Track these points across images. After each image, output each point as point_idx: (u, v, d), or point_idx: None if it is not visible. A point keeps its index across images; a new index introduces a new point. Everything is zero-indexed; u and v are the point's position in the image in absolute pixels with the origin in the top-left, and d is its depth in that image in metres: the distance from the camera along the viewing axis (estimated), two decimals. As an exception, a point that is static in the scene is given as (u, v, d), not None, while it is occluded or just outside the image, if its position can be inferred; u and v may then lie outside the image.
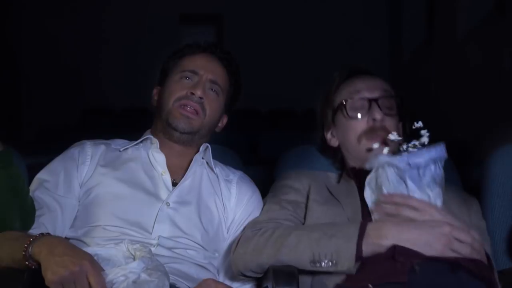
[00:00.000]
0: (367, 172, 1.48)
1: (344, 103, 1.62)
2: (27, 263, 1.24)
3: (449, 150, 1.89)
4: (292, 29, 8.06)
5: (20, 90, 7.63)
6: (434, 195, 1.40)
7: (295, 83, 7.86)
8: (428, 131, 1.44)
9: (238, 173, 1.74)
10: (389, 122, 1.59)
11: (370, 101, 1.59)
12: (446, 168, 1.43)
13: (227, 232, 1.63)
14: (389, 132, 1.50)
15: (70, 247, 1.25)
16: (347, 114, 1.61)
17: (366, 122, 1.59)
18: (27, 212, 1.45)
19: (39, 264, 1.21)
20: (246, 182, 1.72)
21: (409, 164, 1.38)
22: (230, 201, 1.66)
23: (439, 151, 1.40)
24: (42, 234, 1.28)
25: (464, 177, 1.89)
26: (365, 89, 1.62)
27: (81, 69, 7.77)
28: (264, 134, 4.40)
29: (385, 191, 1.40)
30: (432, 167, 1.40)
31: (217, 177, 1.68)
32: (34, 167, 1.65)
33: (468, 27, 5.52)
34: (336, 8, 8.03)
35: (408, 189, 1.39)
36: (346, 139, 1.63)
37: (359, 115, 1.60)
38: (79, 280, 1.18)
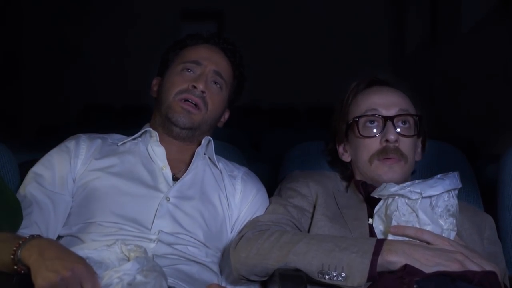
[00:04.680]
0: (374, 187, 1.44)
1: (357, 119, 1.54)
2: (16, 267, 1.16)
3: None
4: (294, 25, 8.02)
5: (20, 87, 7.60)
6: (448, 227, 1.34)
7: (297, 80, 7.82)
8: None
9: (243, 169, 1.66)
10: (404, 144, 1.51)
11: (385, 119, 1.51)
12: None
13: (231, 232, 1.56)
14: (403, 155, 1.49)
15: (62, 250, 1.17)
16: (359, 132, 1.53)
17: (379, 141, 1.51)
18: (13, 207, 1.37)
19: (28, 269, 1.14)
20: (252, 178, 1.64)
21: (421, 195, 1.31)
22: (235, 198, 1.58)
23: (453, 180, 1.34)
24: (32, 236, 1.20)
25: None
26: (381, 105, 1.53)
27: (81, 66, 7.75)
28: (266, 132, 4.35)
29: (395, 222, 1.35)
30: (445, 196, 1.33)
31: (221, 172, 1.61)
32: (32, 164, 1.57)
33: (473, 22, 5.48)
34: (338, 3, 7.97)
35: (420, 220, 1.33)
36: (358, 157, 1.56)
37: (372, 134, 1.52)
38: (72, 286, 1.10)
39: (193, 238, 1.47)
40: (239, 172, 1.63)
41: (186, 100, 1.56)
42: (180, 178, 1.53)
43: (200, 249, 1.47)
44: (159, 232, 1.42)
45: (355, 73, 1.69)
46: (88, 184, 1.49)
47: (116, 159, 1.54)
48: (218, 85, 1.61)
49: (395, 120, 1.51)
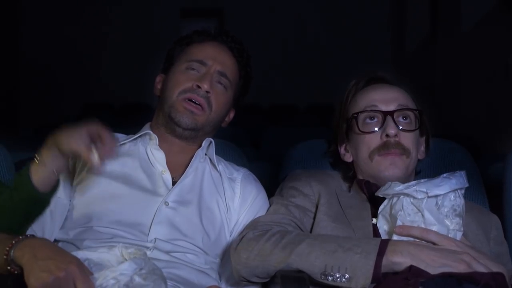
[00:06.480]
0: (378, 186, 1.40)
1: (356, 115, 1.52)
2: (9, 267, 1.13)
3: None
4: (293, 23, 8.01)
5: (18, 85, 7.58)
6: (454, 227, 1.31)
7: (296, 79, 7.81)
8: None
9: (243, 170, 1.62)
10: (405, 138, 1.49)
11: (385, 114, 1.49)
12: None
13: (230, 235, 1.52)
14: (405, 149, 1.46)
15: (56, 250, 1.14)
16: (359, 128, 1.51)
17: (379, 137, 1.48)
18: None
19: (22, 269, 1.11)
20: (251, 181, 1.60)
21: (427, 194, 1.28)
22: (234, 202, 1.54)
23: (459, 179, 1.30)
24: (25, 236, 1.18)
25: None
26: (380, 101, 1.51)
27: (81, 65, 7.75)
28: (266, 130, 4.34)
29: (399, 222, 1.31)
30: (452, 196, 1.29)
31: (220, 175, 1.57)
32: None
33: (473, 21, 5.47)
34: (339, 3, 7.97)
35: (425, 220, 1.29)
36: (358, 155, 1.53)
37: (371, 130, 1.49)
38: (65, 286, 1.08)
39: (192, 244, 1.43)
40: (239, 174, 1.59)
41: (190, 100, 1.52)
42: (179, 181, 1.49)
43: (198, 256, 1.43)
44: (155, 240, 1.38)
45: (355, 72, 1.67)
46: (86, 187, 1.45)
47: (115, 163, 1.48)
48: (223, 85, 1.57)
49: (395, 115, 1.49)
